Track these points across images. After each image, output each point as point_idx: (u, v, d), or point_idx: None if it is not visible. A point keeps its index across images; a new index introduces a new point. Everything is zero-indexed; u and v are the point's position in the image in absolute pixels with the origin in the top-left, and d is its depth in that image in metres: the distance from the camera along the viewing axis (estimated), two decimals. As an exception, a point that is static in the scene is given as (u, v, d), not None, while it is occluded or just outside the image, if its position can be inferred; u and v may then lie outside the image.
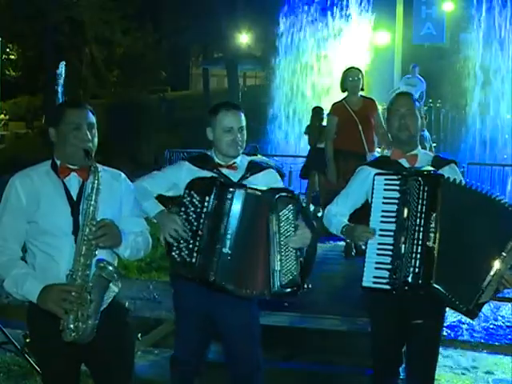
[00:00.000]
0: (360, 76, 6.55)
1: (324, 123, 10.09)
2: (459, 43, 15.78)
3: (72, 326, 2.63)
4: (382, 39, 15.51)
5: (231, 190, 3.08)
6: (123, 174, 2.98)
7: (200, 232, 3.05)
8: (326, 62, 14.99)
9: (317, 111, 10.26)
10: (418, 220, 2.98)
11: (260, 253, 3.07)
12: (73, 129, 2.78)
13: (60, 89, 19.43)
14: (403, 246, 2.99)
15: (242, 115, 3.29)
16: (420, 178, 3.02)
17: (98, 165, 2.76)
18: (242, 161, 3.34)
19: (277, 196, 3.10)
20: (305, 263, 3.10)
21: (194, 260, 3.04)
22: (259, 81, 28.85)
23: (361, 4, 15.11)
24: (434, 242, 2.96)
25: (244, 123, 3.29)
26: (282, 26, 15.61)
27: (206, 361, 3.46)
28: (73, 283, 2.65)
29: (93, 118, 2.84)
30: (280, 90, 15.68)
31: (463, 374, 4.65)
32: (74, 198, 2.79)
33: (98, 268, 2.68)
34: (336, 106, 6.72)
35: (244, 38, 27.23)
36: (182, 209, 3.12)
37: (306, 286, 3.09)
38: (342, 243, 7.00)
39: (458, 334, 5.23)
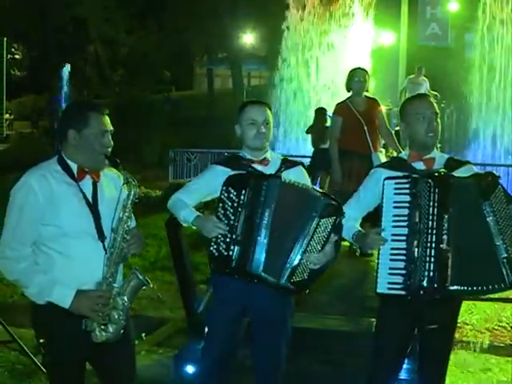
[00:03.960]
0: (366, 77, 6.54)
1: (328, 124, 10.12)
2: (464, 43, 15.75)
3: (104, 328, 2.73)
4: (386, 39, 15.51)
5: (268, 180, 3.15)
6: (130, 176, 2.99)
7: (236, 224, 3.11)
8: (330, 62, 14.97)
9: (320, 112, 10.26)
10: (430, 223, 2.94)
11: (287, 244, 3.14)
12: (98, 135, 2.80)
13: (64, 88, 19.47)
14: (416, 249, 2.96)
15: (268, 110, 3.39)
16: (430, 180, 2.98)
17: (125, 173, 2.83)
18: (274, 156, 3.42)
19: (327, 202, 3.16)
20: (314, 273, 3.18)
21: (231, 253, 3.10)
22: (264, 81, 28.83)
23: (365, 4, 15.08)
24: (448, 245, 2.93)
25: (269, 118, 3.37)
26: (286, 26, 15.59)
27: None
28: (105, 289, 2.74)
29: (111, 125, 2.88)
30: (284, 90, 15.66)
31: (467, 375, 4.64)
32: (90, 201, 2.81)
33: (132, 274, 2.81)
34: (340, 107, 6.70)
35: (248, 38, 27.25)
36: (220, 205, 3.17)
37: (305, 291, 3.23)
38: (347, 243, 6.98)
39: (462, 335, 5.22)
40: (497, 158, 13.35)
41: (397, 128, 10.83)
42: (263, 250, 3.10)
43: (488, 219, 2.97)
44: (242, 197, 3.12)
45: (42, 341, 2.78)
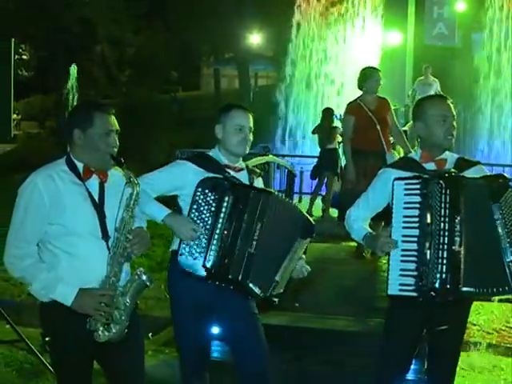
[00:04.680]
0: (381, 76, 6.58)
1: (335, 124, 10.11)
2: (471, 43, 15.69)
3: (107, 328, 2.72)
4: (393, 39, 15.46)
5: (259, 193, 3.15)
6: (133, 175, 2.99)
7: (218, 231, 3.08)
8: (337, 63, 14.96)
9: (327, 112, 10.25)
10: (442, 224, 2.92)
11: (274, 260, 3.17)
12: (103, 134, 2.80)
13: (72, 89, 19.54)
14: (428, 251, 2.93)
15: (251, 115, 3.36)
16: (441, 181, 2.95)
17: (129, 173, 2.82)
18: (241, 163, 3.40)
19: (308, 224, 3.28)
20: (287, 286, 3.27)
21: (209, 258, 3.07)
22: (271, 81, 28.83)
23: (372, 4, 15.04)
24: (460, 246, 2.92)
25: (252, 124, 3.34)
26: (293, 26, 15.58)
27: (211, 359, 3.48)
28: (108, 288, 2.73)
29: (117, 124, 2.87)
30: (291, 90, 15.65)
31: (475, 375, 4.63)
32: (96, 200, 2.81)
33: (135, 275, 2.79)
34: (352, 106, 6.67)
35: (255, 38, 27.26)
36: (194, 206, 3.12)
37: (274, 301, 3.26)
38: (354, 243, 6.97)
39: (469, 336, 5.20)
40: (505, 158, 13.30)
41: (404, 128, 10.81)
42: (252, 261, 3.08)
43: (496, 221, 2.96)
44: (225, 203, 3.09)
45: (47, 339, 2.79)
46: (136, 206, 2.80)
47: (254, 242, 3.09)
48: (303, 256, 3.32)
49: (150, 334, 5.09)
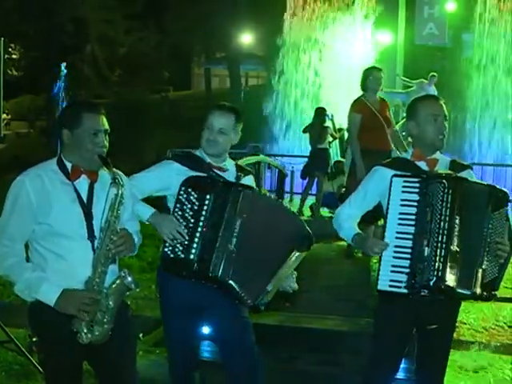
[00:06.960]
0: (382, 75, 6.59)
1: (326, 124, 10.12)
2: (462, 43, 15.76)
3: (90, 329, 2.69)
4: (384, 39, 15.49)
5: (240, 189, 3.11)
6: (125, 177, 2.97)
7: (200, 229, 3.06)
8: (328, 62, 14.96)
9: (320, 112, 10.24)
10: (441, 223, 2.94)
11: (267, 267, 3.13)
12: (90, 134, 2.78)
13: (62, 88, 19.47)
14: (426, 248, 2.94)
15: (231, 118, 3.29)
16: (445, 181, 2.97)
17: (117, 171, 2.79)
18: (230, 164, 3.37)
19: (307, 235, 3.23)
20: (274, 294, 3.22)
21: (191, 256, 3.05)
22: (261, 80, 28.82)
23: (363, 4, 15.06)
24: (458, 246, 2.93)
25: (229, 127, 3.28)
26: (284, 26, 15.59)
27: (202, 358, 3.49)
28: (91, 289, 2.70)
29: (107, 124, 2.85)
30: (282, 90, 15.65)
31: (465, 374, 4.64)
32: (84, 201, 2.79)
33: (119, 277, 2.76)
34: (358, 104, 6.59)
35: (246, 38, 27.27)
36: (178, 205, 3.11)
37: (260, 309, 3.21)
38: (344, 243, 6.97)
39: (459, 334, 5.22)
40: (494, 158, 13.36)
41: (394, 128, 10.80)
42: (232, 259, 3.04)
43: (484, 229, 3.00)
44: (207, 201, 3.07)
45: (34, 339, 2.77)
46: (121, 207, 2.76)
47: (234, 239, 3.05)
48: (295, 272, 3.29)
49: (141, 335, 5.08)
